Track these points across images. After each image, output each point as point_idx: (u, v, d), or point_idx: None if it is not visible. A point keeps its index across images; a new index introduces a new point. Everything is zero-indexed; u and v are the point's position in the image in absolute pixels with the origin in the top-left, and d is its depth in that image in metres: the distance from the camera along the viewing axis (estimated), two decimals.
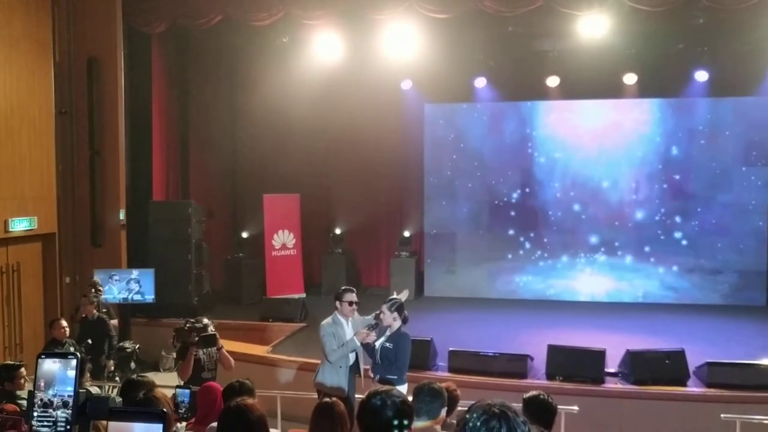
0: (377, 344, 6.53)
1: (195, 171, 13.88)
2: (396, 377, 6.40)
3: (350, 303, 6.66)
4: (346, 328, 6.64)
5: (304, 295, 12.99)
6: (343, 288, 6.91)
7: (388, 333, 6.55)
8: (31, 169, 10.66)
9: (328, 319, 6.71)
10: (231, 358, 6.98)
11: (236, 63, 13.70)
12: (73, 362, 2.52)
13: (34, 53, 10.77)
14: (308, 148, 13.46)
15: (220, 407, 4.18)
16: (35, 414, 2.49)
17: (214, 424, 3.60)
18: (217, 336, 6.87)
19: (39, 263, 11.10)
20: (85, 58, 11.45)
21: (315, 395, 6.90)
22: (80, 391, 2.60)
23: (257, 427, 3.21)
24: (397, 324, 6.55)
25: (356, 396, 6.65)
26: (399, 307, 6.60)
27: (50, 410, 2.47)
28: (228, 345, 9.67)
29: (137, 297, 10.65)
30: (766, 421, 7.09)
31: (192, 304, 11.62)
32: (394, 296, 6.91)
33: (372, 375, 6.60)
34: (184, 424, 4.71)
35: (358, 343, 6.55)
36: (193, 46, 13.44)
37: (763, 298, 12.72)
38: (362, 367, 6.80)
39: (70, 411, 2.46)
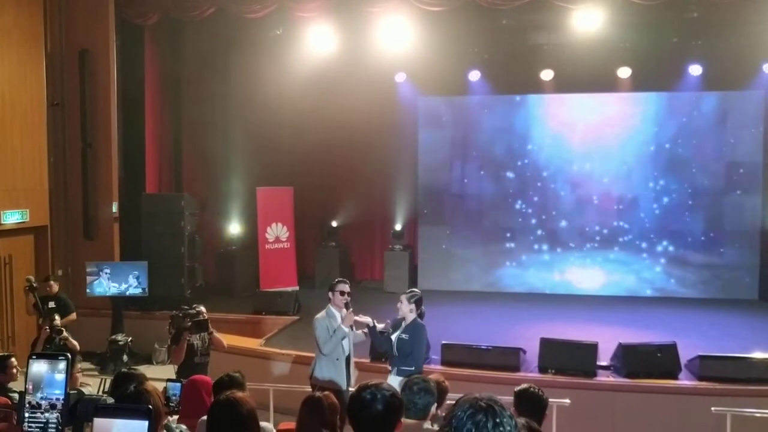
0: (393, 337, 6.58)
1: (188, 163, 13.84)
2: (413, 368, 6.44)
3: (342, 293, 6.66)
4: (339, 319, 6.63)
5: (297, 288, 12.99)
6: (336, 279, 6.92)
7: (403, 325, 6.60)
8: (23, 162, 10.63)
9: (322, 313, 6.72)
10: (223, 340, 7.27)
11: (229, 55, 13.63)
12: (62, 364, 2.49)
13: (26, 45, 10.71)
14: (302, 141, 13.41)
15: (209, 401, 4.17)
16: (26, 416, 2.48)
17: (205, 417, 3.58)
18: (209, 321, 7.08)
19: (31, 256, 11.07)
20: (76, 49, 11.41)
21: (308, 388, 6.91)
22: (72, 392, 2.57)
23: (247, 420, 3.20)
24: (413, 316, 6.60)
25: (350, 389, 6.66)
26: (418, 300, 6.66)
27: (39, 413, 2.45)
28: (220, 338, 9.72)
29: (134, 291, 10.65)
30: (757, 415, 7.13)
31: (185, 296, 11.58)
32: (414, 289, 6.97)
33: (390, 368, 6.64)
34: (175, 417, 4.70)
35: (347, 330, 6.57)
36: (185, 38, 13.35)
37: (755, 291, 12.76)
38: (352, 358, 6.81)
39: (58, 413, 2.44)
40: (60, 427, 2.47)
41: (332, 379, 6.53)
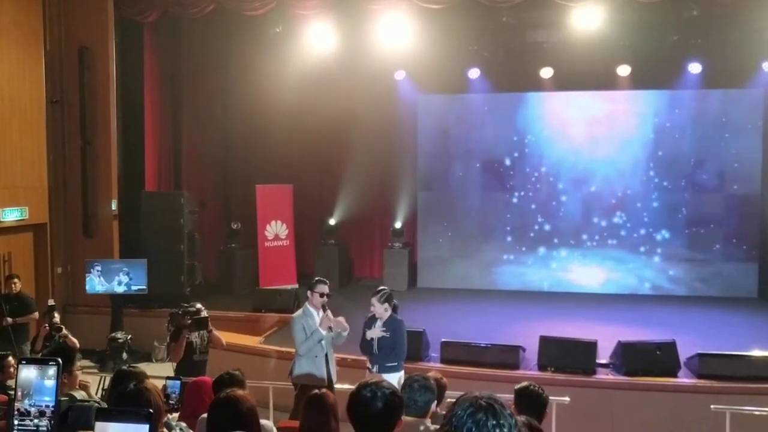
0: (372, 335, 6.58)
1: (187, 161, 13.83)
2: (396, 364, 6.47)
3: (321, 294, 6.68)
4: (317, 318, 6.68)
5: (296, 286, 12.97)
6: (316, 279, 6.94)
7: (380, 323, 6.60)
8: (22, 159, 10.62)
9: (299, 311, 6.80)
10: (222, 338, 7.29)
11: (229, 53, 13.62)
12: (52, 370, 2.44)
13: (25, 42, 10.70)
14: (301, 139, 13.42)
15: (209, 400, 4.17)
16: (15, 423, 2.45)
17: (205, 415, 3.58)
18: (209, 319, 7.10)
19: (30, 253, 11.07)
20: (76, 47, 11.40)
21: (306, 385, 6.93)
22: (63, 398, 2.53)
23: (247, 418, 3.20)
24: (388, 313, 6.59)
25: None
26: (388, 297, 6.66)
27: (28, 420, 2.42)
28: (220, 336, 9.72)
29: (125, 288, 10.60)
30: (755, 413, 7.14)
31: (184, 294, 11.58)
32: (383, 288, 6.97)
33: (370, 366, 6.65)
34: (175, 415, 4.71)
35: (324, 333, 6.61)
36: (185, 36, 13.35)
37: (754, 289, 12.77)
38: (331, 356, 6.82)
39: (47, 420, 2.41)
40: None
41: (311, 375, 6.58)
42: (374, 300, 6.63)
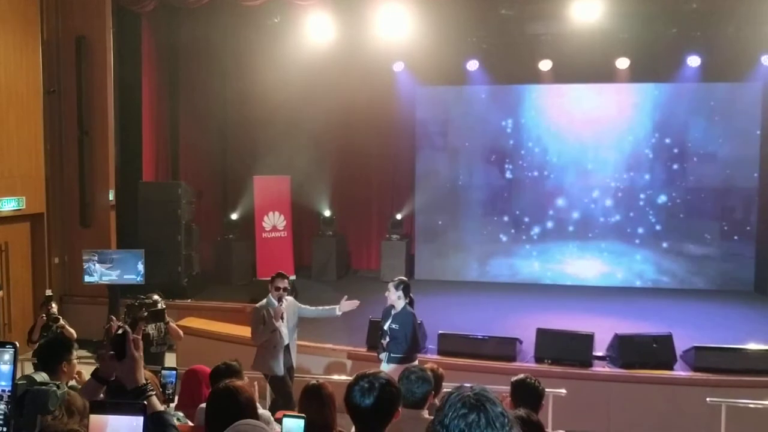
0: (385, 327, 6.63)
1: (185, 151, 13.79)
2: (401, 354, 6.54)
3: (277, 288, 6.87)
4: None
5: (294, 278, 12.95)
6: (277, 273, 7.10)
7: (393, 313, 6.66)
8: (19, 149, 10.59)
9: (263, 302, 6.97)
10: (179, 330, 7.38)
11: (226, 43, 13.56)
12: (7, 354, 2.45)
13: (22, 31, 10.65)
14: (299, 130, 13.38)
15: (207, 390, 4.18)
16: None
17: (203, 405, 3.59)
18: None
19: (27, 243, 11.05)
20: (73, 36, 11.36)
21: (304, 377, 6.96)
22: (21, 382, 2.54)
23: (246, 408, 3.20)
24: (401, 303, 6.65)
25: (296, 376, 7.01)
26: (405, 287, 6.72)
27: None
28: (217, 326, 9.75)
29: (122, 278, 10.54)
30: (751, 405, 7.17)
31: (181, 285, 11.59)
32: (401, 278, 7.09)
33: (380, 357, 6.73)
34: (172, 405, 4.71)
35: (276, 324, 6.77)
36: (183, 26, 13.25)
37: (750, 283, 12.80)
38: (293, 345, 7.01)
39: (4, 405, 2.42)
40: (7, 420, 2.43)
41: (270, 366, 6.77)
42: (390, 285, 6.76)
